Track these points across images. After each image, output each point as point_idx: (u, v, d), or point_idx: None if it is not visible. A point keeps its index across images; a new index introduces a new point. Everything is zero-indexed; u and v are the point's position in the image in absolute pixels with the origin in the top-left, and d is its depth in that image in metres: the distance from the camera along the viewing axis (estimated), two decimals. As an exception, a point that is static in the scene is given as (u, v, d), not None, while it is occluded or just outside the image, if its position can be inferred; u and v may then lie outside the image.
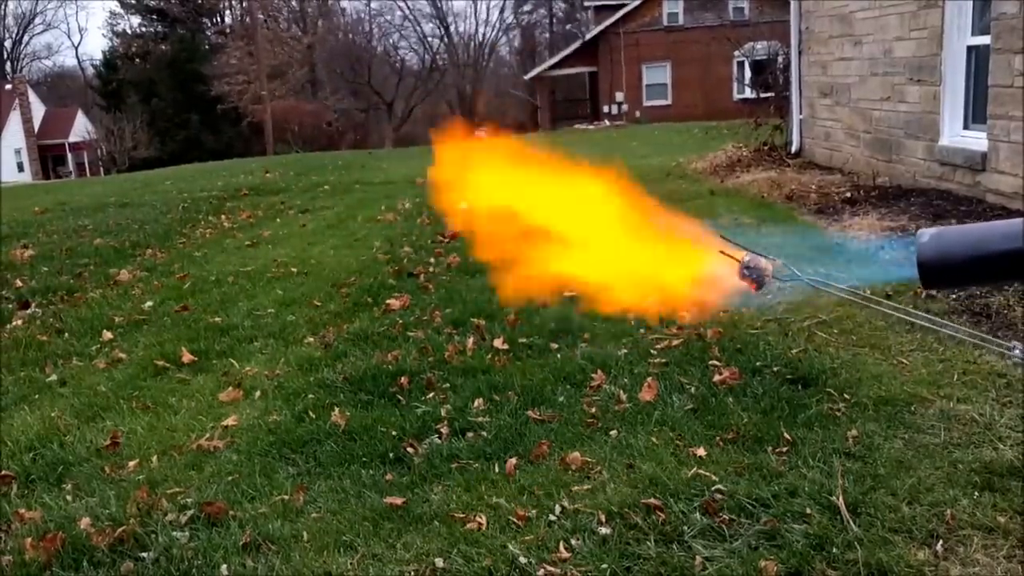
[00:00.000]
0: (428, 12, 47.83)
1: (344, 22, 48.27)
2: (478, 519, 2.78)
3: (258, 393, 4.11)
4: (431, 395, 3.89)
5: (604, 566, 2.49)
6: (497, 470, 3.13)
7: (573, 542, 2.62)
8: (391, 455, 3.31)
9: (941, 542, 2.47)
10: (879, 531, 2.54)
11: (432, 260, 6.73)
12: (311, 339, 4.88)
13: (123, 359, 4.82)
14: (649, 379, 3.78)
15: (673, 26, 32.87)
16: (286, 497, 3.02)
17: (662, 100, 33.39)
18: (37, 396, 4.35)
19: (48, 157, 42.99)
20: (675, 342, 4.26)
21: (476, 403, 3.72)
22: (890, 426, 3.20)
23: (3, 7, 52.03)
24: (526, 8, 50.26)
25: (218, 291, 6.32)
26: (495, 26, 52.73)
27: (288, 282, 6.44)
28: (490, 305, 5.18)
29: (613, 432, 3.35)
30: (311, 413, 3.76)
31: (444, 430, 3.49)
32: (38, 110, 44.02)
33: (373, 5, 49.30)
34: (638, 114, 32.18)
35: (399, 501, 2.93)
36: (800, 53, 10.90)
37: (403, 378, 4.04)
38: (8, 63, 52.57)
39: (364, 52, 44.91)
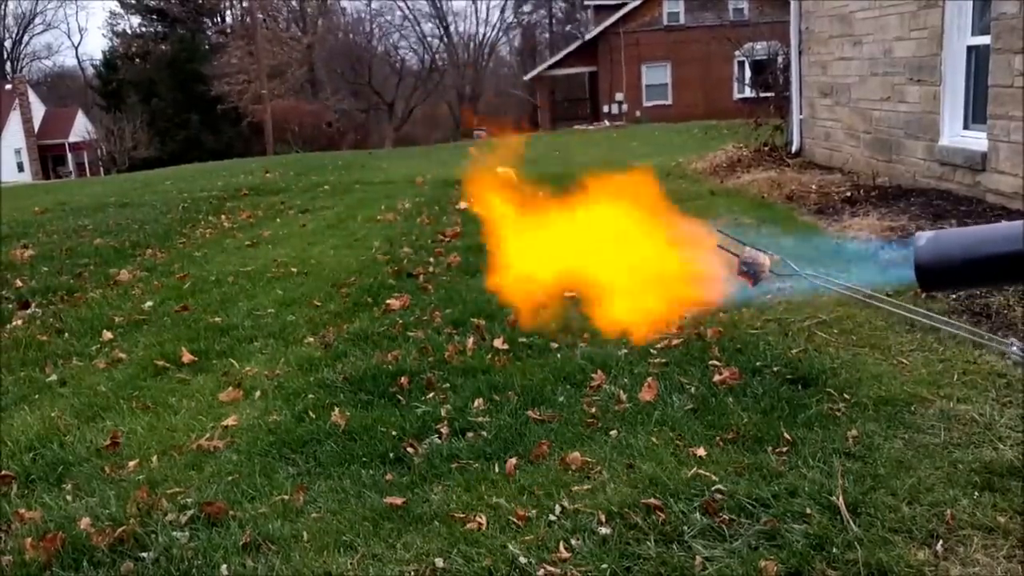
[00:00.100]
0: (428, 12, 47.88)
1: (344, 22, 48.30)
2: (478, 519, 2.78)
3: (258, 393, 4.11)
4: (431, 395, 3.89)
5: (604, 566, 2.49)
6: (497, 470, 3.13)
7: (573, 542, 2.62)
8: (391, 455, 3.31)
9: (941, 542, 2.47)
10: (879, 531, 2.54)
11: (432, 260, 6.73)
12: (311, 339, 4.89)
13: (123, 359, 4.82)
14: (649, 379, 3.78)
15: (673, 26, 32.87)
16: (286, 497, 3.02)
17: (662, 100, 33.39)
18: (37, 396, 4.35)
19: (48, 157, 42.99)
20: (675, 342, 4.26)
21: (476, 403, 3.72)
22: (890, 426, 3.20)
23: (3, 7, 52.07)
24: (526, 8, 50.29)
25: (218, 291, 6.32)
26: (495, 26, 52.78)
27: (288, 282, 6.44)
28: (490, 305, 5.18)
29: (613, 432, 3.35)
30: (311, 413, 3.76)
31: (444, 430, 3.49)
32: (38, 110, 44.02)
33: (373, 5, 49.35)
34: (638, 114, 32.17)
35: (399, 501, 2.93)
36: (800, 53, 10.91)
37: (403, 378, 4.04)
38: (8, 63, 52.58)
39: (364, 52, 44.91)
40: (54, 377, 4.62)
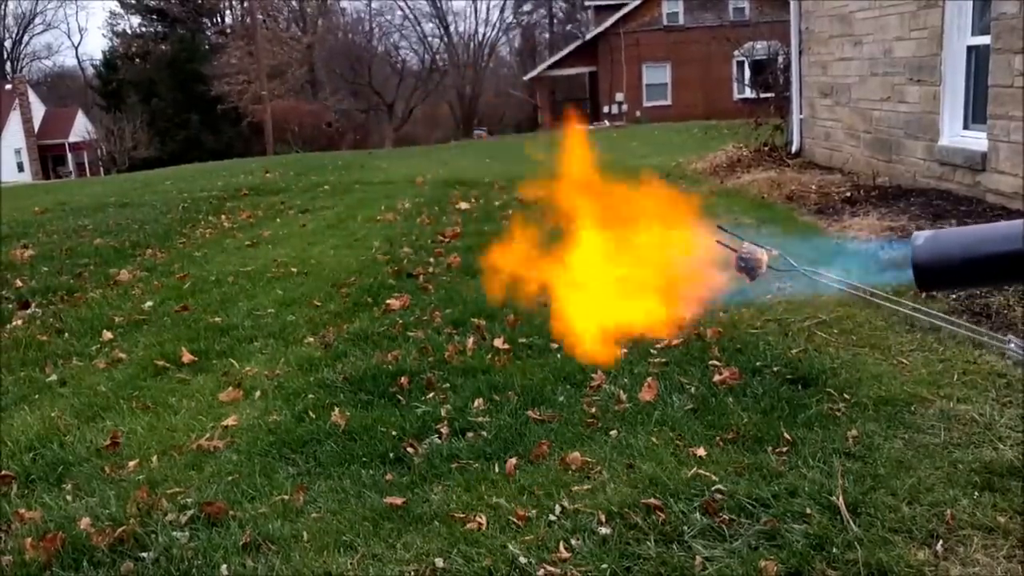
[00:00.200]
0: (428, 12, 47.88)
1: (344, 22, 48.31)
2: (478, 519, 2.78)
3: (258, 393, 4.11)
4: (431, 395, 3.89)
5: (604, 566, 2.49)
6: (497, 470, 3.13)
7: (573, 542, 2.62)
8: (391, 455, 3.31)
9: (941, 542, 2.47)
10: (879, 531, 2.54)
11: (432, 260, 6.73)
12: (311, 339, 4.88)
13: (123, 359, 4.82)
14: (649, 379, 3.78)
15: (673, 26, 32.87)
16: (286, 497, 3.02)
17: (662, 100, 33.39)
18: (37, 396, 4.35)
19: (48, 157, 42.99)
20: (675, 342, 4.26)
21: (476, 403, 3.72)
22: (890, 426, 3.20)
23: (3, 7, 52.08)
24: (526, 8, 50.29)
25: (218, 291, 6.32)
26: (495, 26, 52.77)
27: (288, 282, 6.44)
28: (490, 305, 5.18)
29: (613, 432, 3.35)
30: (311, 413, 3.76)
31: (444, 430, 3.49)
32: (38, 110, 44.02)
33: (373, 5, 49.29)
34: (638, 114, 32.18)
35: (399, 501, 2.93)
36: (800, 53, 10.91)
37: (403, 378, 4.04)
38: (8, 63, 52.59)
39: (364, 52, 44.91)
40: (54, 377, 4.62)
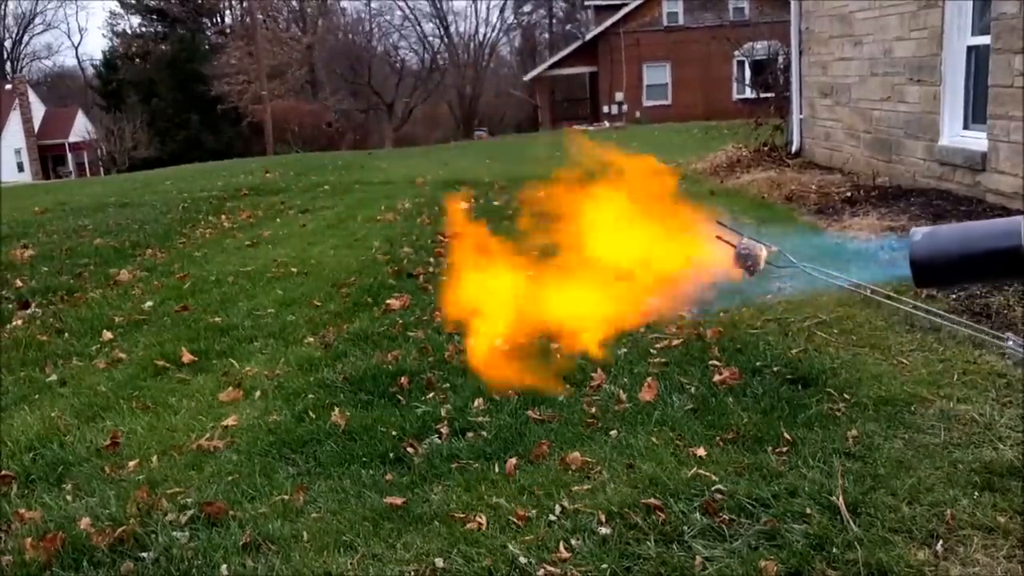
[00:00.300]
0: (428, 12, 47.87)
1: (344, 22, 48.28)
2: (478, 519, 2.78)
3: (258, 393, 4.11)
4: (431, 395, 3.89)
5: (604, 566, 2.49)
6: (497, 470, 3.13)
7: (573, 542, 2.62)
8: (391, 455, 3.31)
9: (941, 542, 2.47)
10: (879, 531, 2.54)
11: (432, 260, 6.73)
12: (311, 339, 4.88)
13: (123, 359, 4.82)
14: (649, 379, 3.78)
15: (673, 26, 32.86)
16: (286, 497, 3.02)
17: (662, 100, 33.38)
18: (37, 396, 4.35)
19: (48, 157, 42.98)
20: (675, 342, 4.26)
21: (476, 403, 3.72)
22: (890, 426, 3.20)
23: (3, 7, 52.07)
24: (526, 8, 50.28)
25: (218, 291, 6.32)
26: (495, 26, 52.79)
27: (288, 282, 6.44)
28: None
29: (613, 432, 3.35)
30: (311, 413, 3.76)
31: (444, 430, 3.49)
32: (38, 110, 44.01)
33: (373, 5, 49.27)
34: (638, 114, 32.17)
35: (399, 501, 2.93)
36: (800, 53, 10.90)
37: (403, 378, 4.04)
38: (8, 63, 52.58)
39: (364, 52, 44.90)
40: (54, 377, 4.62)
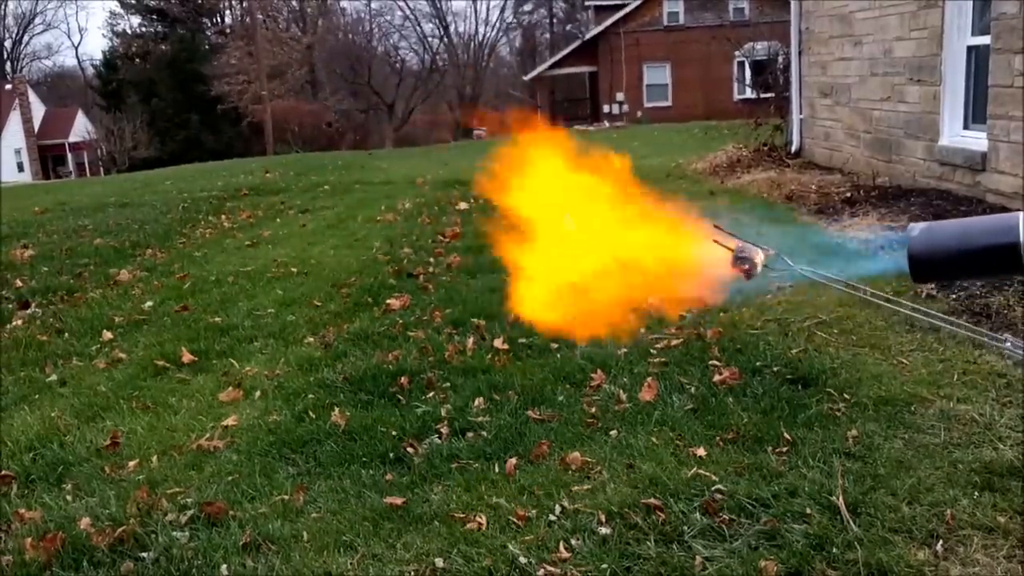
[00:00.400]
0: (428, 12, 47.88)
1: (344, 22, 48.28)
2: (478, 519, 2.78)
3: (258, 393, 4.11)
4: (431, 395, 3.89)
5: (604, 566, 2.49)
6: (497, 470, 3.13)
7: (573, 542, 2.62)
8: (391, 455, 3.31)
9: (941, 542, 2.47)
10: (879, 531, 2.54)
11: (432, 260, 6.73)
12: (311, 339, 4.88)
13: (123, 359, 4.82)
14: (649, 379, 3.78)
15: (673, 26, 32.86)
16: (286, 497, 3.02)
17: (662, 100, 33.37)
18: (37, 396, 4.35)
19: (48, 157, 42.99)
20: (675, 342, 4.26)
21: (476, 403, 3.72)
22: (890, 426, 3.20)
23: (3, 7, 52.08)
24: (526, 8, 50.30)
25: (218, 291, 6.32)
26: (495, 26, 52.78)
27: (288, 282, 6.44)
28: (490, 305, 5.18)
29: (613, 432, 3.35)
30: (311, 413, 3.76)
31: (444, 430, 3.49)
32: (38, 110, 44.02)
33: (373, 5, 49.29)
34: (638, 114, 32.16)
35: (399, 501, 2.93)
36: (800, 53, 10.90)
37: (403, 378, 4.04)
38: (8, 63, 52.59)
39: (364, 52, 44.89)
40: (54, 377, 4.62)
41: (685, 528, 2.64)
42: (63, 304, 6.35)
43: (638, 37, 32.88)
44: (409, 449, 3.34)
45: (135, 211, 11.41)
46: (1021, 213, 1.17)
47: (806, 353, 4.01)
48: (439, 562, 2.58)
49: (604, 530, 2.67)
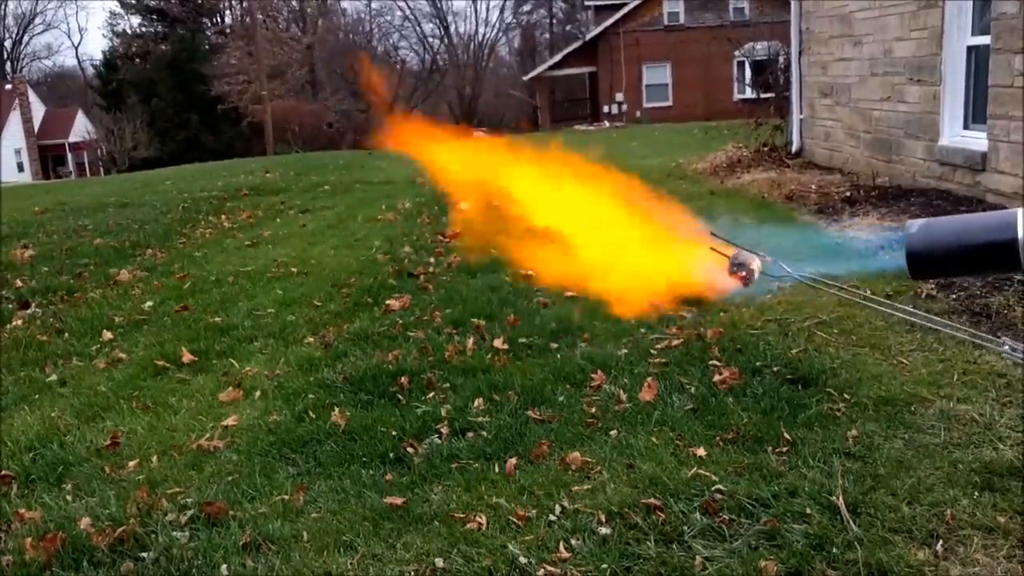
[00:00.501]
0: (428, 12, 47.89)
1: (344, 22, 48.32)
2: (478, 519, 2.78)
3: (258, 393, 4.11)
4: (431, 395, 3.89)
5: (604, 566, 2.49)
6: (497, 470, 3.13)
7: (573, 542, 2.62)
8: (391, 455, 3.31)
9: (941, 542, 2.47)
10: (879, 531, 2.54)
11: (432, 260, 6.73)
12: (311, 339, 4.88)
13: (123, 359, 4.82)
14: (649, 379, 3.78)
15: (673, 26, 32.87)
16: (286, 497, 3.02)
17: (662, 100, 33.38)
18: (37, 396, 4.35)
19: (48, 157, 42.99)
20: (675, 342, 4.26)
21: (476, 403, 3.72)
22: (890, 426, 3.20)
23: (3, 7, 52.08)
24: (526, 8, 50.29)
25: (218, 291, 6.32)
26: (495, 26, 52.79)
27: (288, 282, 6.44)
28: (490, 305, 5.19)
29: (613, 432, 3.35)
30: (311, 413, 3.76)
31: (444, 430, 3.49)
32: (38, 110, 44.02)
33: (373, 5, 49.33)
34: (638, 114, 32.17)
35: (399, 501, 2.93)
36: (800, 53, 10.91)
37: (403, 378, 4.04)
38: (8, 63, 52.59)
39: (364, 52, 44.89)
40: (54, 377, 4.62)
41: (685, 528, 2.64)
42: (63, 304, 6.35)
43: (638, 37, 32.89)
44: (409, 449, 3.34)
45: (135, 211, 11.41)
46: (1019, 210, 1.17)
47: (806, 353, 4.01)
48: (439, 562, 2.58)
49: (604, 530, 2.67)
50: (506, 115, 45.83)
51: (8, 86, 42.44)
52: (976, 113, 7.17)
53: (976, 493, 2.70)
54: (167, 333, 5.27)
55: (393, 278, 6.20)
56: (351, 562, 2.62)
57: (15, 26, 53.84)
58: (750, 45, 17.18)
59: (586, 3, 36.66)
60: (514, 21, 50.65)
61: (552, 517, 2.77)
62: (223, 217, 10.33)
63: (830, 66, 9.99)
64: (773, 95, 13.07)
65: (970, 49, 7.21)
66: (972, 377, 3.57)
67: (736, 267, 1.35)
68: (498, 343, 4.46)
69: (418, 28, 48.52)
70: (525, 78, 39.09)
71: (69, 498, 3.16)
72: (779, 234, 1.42)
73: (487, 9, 64.84)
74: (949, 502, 2.65)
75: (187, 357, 4.68)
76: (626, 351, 4.19)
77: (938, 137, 7.57)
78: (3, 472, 3.41)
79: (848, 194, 7.97)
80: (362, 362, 4.37)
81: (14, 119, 41.04)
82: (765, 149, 11.44)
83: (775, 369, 3.82)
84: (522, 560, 2.54)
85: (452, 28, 48.66)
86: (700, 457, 3.07)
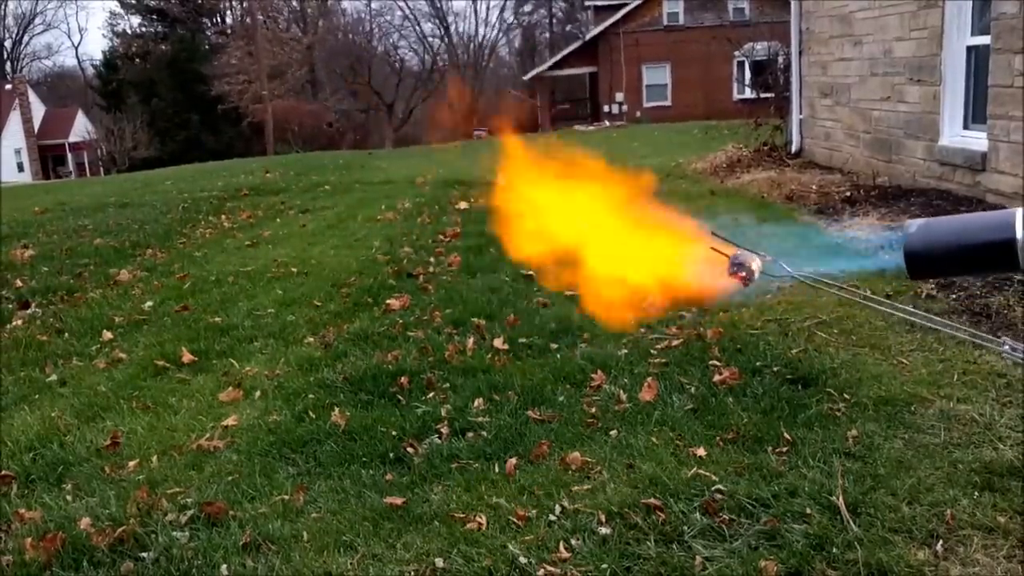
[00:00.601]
0: (428, 12, 47.90)
1: (344, 22, 48.33)
2: (478, 519, 2.78)
3: (258, 393, 4.11)
4: (431, 395, 3.89)
5: (604, 566, 2.49)
6: (497, 470, 3.13)
7: (573, 542, 2.62)
8: (391, 455, 3.31)
9: (941, 542, 2.47)
10: (879, 531, 2.54)
11: (432, 260, 6.73)
12: (311, 339, 4.88)
13: (123, 359, 4.82)
14: (649, 379, 3.78)
15: (673, 26, 32.87)
16: (286, 497, 3.02)
17: (662, 101, 33.39)
18: (37, 396, 4.35)
19: (48, 157, 43.00)
20: (675, 342, 4.26)
21: (476, 403, 3.72)
22: (890, 426, 3.20)
23: (3, 7, 52.09)
24: (526, 8, 50.31)
25: (218, 291, 6.32)
26: (495, 26, 52.81)
27: (288, 282, 6.44)
28: (490, 305, 5.19)
29: (613, 432, 3.35)
30: (311, 413, 3.76)
31: (444, 430, 3.49)
32: (38, 110, 44.03)
33: (373, 5, 49.35)
34: (638, 114, 32.17)
35: (399, 501, 2.93)
36: (800, 53, 10.91)
37: (403, 378, 4.04)
38: (8, 63, 52.60)
39: (364, 52, 44.91)
40: (54, 377, 4.62)
41: (685, 528, 2.64)
42: (63, 304, 6.35)
43: (638, 37, 32.89)
44: (409, 449, 3.34)
45: (135, 211, 11.41)
46: (1018, 210, 1.17)
47: (806, 353, 4.01)
48: (439, 562, 2.58)
49: (604, 530, 2.67)
50: (506, 115, 45.80)
51: (8, 86, 42.45)
52: (976, 113, 7.17)
53: (976, 493, 2.70)
54: (167, 333, 5.27)
55: (393, 278, 6.21)
56: (351, 562, 2.62)
57: (15, 26, 53.90)
58: (750, 45, 17.17)
59: (586, 3, 36.67)
60: (514, 21, 50.69)
61: (552, 517, 2.77)
62: (223, 217, 10.33)
63: (830, 66, 9.99)
64: (773, 95, 13.07)
65: (970, 49, 7.21)
66: (972, 377, 3.57)
67: (736, 267, 1.35)
68: (498, 343, 4.46)
69: (418, 28, 48.56)
70: (525, 78, 39.09)
71: (69, 498, 3.16)
72: (779, 234, 1.42)
73: (487, 9, 64.88)
74: (949, 502, 2.65)
75: (187, 357, 4.68)
76: (626, 351, 4.19)
77: (938, 137, 7.57)
78: (3, 472, 3.41)
79: (848, 194, 7.97)
80: (362, 362, 4.37)
81: (14, 119, 41.05)
82: (765, 149, 11.44)
83: (775, 369, 3.82)
84: (522, 560, 2.54)
85: (452, 28, 48.70)
86: (700, 457, 3.07)
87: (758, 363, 3.90)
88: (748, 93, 18.76)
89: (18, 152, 41.32)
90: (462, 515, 2.81)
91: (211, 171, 17.66)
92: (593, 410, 3.57)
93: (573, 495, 2.89)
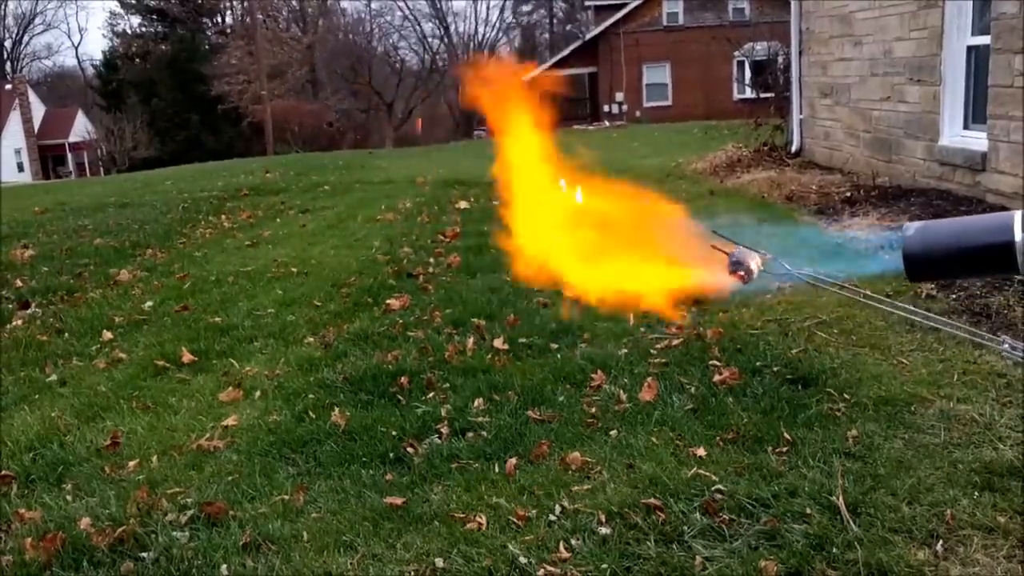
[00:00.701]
0: (428, 12, 47.91)
1: (344, 22, 48.33)
2: (478, 519, 2.78)
3: (258, 393, 4.11)
4: (431, 395, 3.89)
5: (604, 566, 2.49)
6: (497, 470, 3.13)
7: (573, 542, 2.62)
8: (391, 455, 3.31)
9: (941, 542, 2.47)
10: (879, 531, 2.54)
11: (432, 260, 6.73)
12: (311, 339, 4.88)
13: (123, 359, 4.82)
14: (649, 379, 3.78)
15: (673, 26, 32.86)
16: (286, 497, 3.02)
17: (662, 100, 33.38)
18: (37, 396, 4.35)
19: (48, 157, 43.01)
20: (675, 342, 4.26)
21: (476, 403, 3.72)
22: (890, 426, 3.20)
23: (3, 7, 52.09)
24: (526, 8, 50.32)
25: (218, 291, 6.32)
26: (495, 26, 52.79)
27: (288, 282, 6.44)
28: (490, 305, 5.19)
29: (613, 432, 3.35)
30: (311, 413, 3.76)
31: (444, 430, 3.49)
32: (38, 110, 44.04)
33: (373, 5, 49.37)
34: (638, 114, 32.16)
35: (399, 501, 2.93)
36: (800, 53, 10.91)
37: (403, 378, 4.04)
38: (8, 63, 52.61)
39: (364, 52, 44.91)
40: (54, 377, 4.62)
41: (685, 528, 2.64)
42: (63, 304, 6.35)
43: (638, 37, 32.88)
44: (409, 449, 3.34)
45: (135, 211, 11.41)
46: (1016, 212, 1.17)
47: (806, 353, 4.01)
48: (439, 562, 2.58)
49: (604, 530, 2.67)
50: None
51: (8, 86, 42.46)
52: (976, 113, 7.16)
53: (976, 493, 2.70)
54: (167, 333, 5.27)
55: (393, 278, 6.21)
56: (351, 562, 2.62)
57: (15, 26, 53.91)
58: (750, 45, 17.17)
59: (586, 3, 36.67)
60: (514, 21, 50.69)
61: (552, 517, 2.77)
62: (223, 217, 10.33)
63: (830, 66, 9.99)
64: (773, 95, 13.07)
65: (970, 49, 7.21)
66: (972, 377, 3.57)
67: (735, 265, 1.35)
68: (498, 343, 4.46)
69: (418, 28, 48.56)
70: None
71: (69, 498, 3.16)
72: (779, 234, 1.42)
73: (487, 9, 64.92)
74: (949, 502, 2.65)
75: (187, 357, 4.68)
76: (626, 351, 4.19)
77: (938, 137, 7.57)
78: (3, 472, 3.41)
79: (848, 194, 7.97)
80: (362, 362, 4.37)
81: (14, 119, 41.05)
82: (765, 149, 11.44)
83: (775, 369, 3.82)
84: (522, 560, 2.54)
85: (452, 28, 48.71)
86: (700, 457, 3.07)
87: (758, 363, 3.91)
88: (748, 93, 18.76)
89: (18, 152, 41.33)
90: (462, 515, 2.81)
91: (211, 171, 17.66)
92: (593, 410, 3.57)
93: (573, 495, 2.89)
